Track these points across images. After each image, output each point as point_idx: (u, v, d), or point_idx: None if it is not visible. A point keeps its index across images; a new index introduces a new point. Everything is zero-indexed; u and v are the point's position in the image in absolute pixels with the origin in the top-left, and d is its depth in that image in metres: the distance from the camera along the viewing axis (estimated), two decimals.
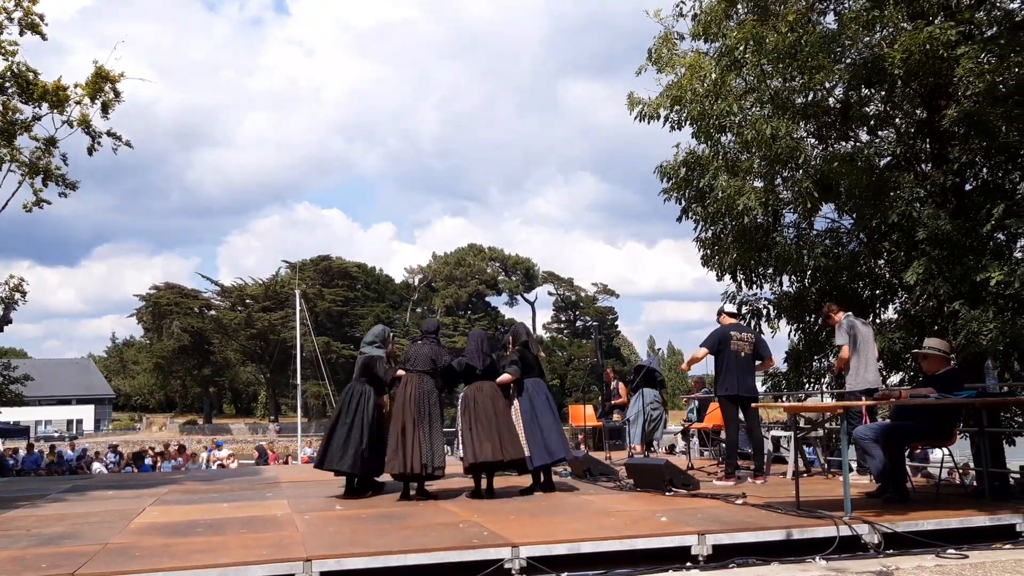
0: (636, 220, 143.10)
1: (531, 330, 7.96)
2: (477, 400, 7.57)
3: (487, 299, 78.70)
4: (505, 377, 7.72)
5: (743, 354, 8.26)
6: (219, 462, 20.60)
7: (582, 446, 16.07)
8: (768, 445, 9.76)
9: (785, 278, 9.50)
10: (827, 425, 9.16)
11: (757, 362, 8.43)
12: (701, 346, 8.35)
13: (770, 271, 9.47)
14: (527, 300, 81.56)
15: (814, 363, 9.95)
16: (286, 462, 22.88)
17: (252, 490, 9.02)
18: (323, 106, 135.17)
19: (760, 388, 9.49)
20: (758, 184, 9.05)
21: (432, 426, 7.44)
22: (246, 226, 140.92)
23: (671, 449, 14.51)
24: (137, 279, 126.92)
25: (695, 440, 11.98)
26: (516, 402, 7.72)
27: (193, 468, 19.08)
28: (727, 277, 9.67)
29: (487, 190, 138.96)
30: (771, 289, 9.76)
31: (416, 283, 79.25)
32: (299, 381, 37.94)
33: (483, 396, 7.59)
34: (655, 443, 12.35)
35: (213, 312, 71.10)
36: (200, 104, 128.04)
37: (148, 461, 20.22)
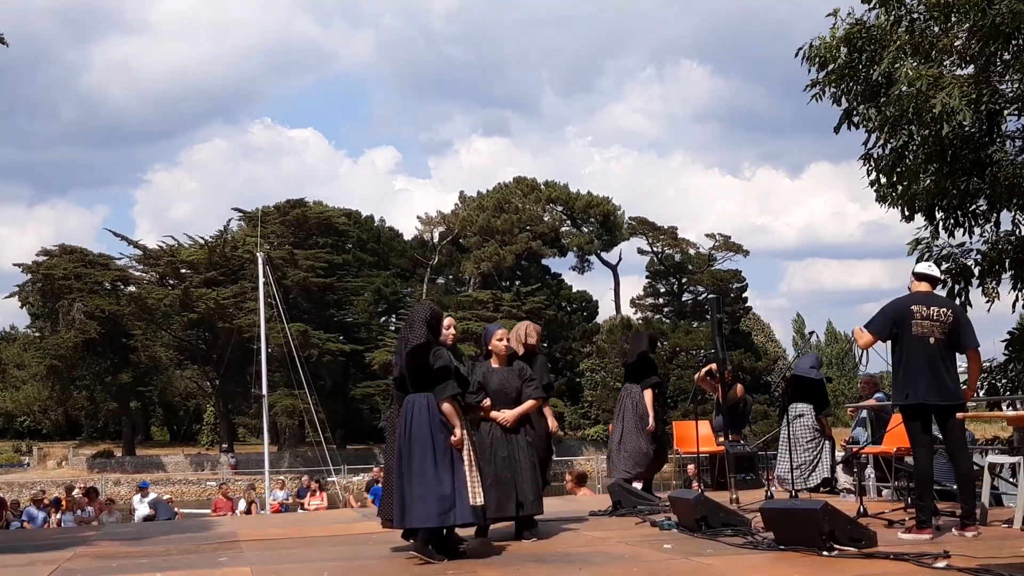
0: (771, 134, 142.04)
1: (434, 311, 8.33)
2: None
3: (545, 262, 78.93)
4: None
5: (932, 340, 8.18)
6: (148, 513, 21.06)
7: (695, 483, 16.05)
8: (983, 478, 9.66)
9: (1007, 215, 9.36)
10: None
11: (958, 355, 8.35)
12: (865, 327, 8.34)
13: (984, 206, 9.33)
14: (606, 263, 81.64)
15: None
16: (248, 511, 23.33)
17: (198, 553, 9.20)
18: None
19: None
20: (964, 72, 8.91)
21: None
22: (175, 157, 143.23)
23: (831, 486, 14.44)
24: (16, 241, 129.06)
25: (868, 472, 11.92)
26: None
27: (111, 521, 19.55)
28: (918, 217, 9.55)
29: (538, 94, 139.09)
30: (984, 235, 9.61)
31: (435, 240, 79.70)
32: (264, 390, 38.49)
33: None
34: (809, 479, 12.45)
35: (132, 288, 72.33)
36: None
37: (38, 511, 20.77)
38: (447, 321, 9.07)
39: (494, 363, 9.13)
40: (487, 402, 8.87)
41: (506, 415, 8.87)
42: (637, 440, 11.54)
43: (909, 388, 8.17)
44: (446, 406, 7.90)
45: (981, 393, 11.49)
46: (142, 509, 21.68)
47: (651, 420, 11.50)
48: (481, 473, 8.32)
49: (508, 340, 9.30)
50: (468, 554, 8.07)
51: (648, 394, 11.57)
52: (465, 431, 8.08)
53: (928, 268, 8.69)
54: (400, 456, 8.01)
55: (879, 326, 8.28)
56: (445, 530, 8.00)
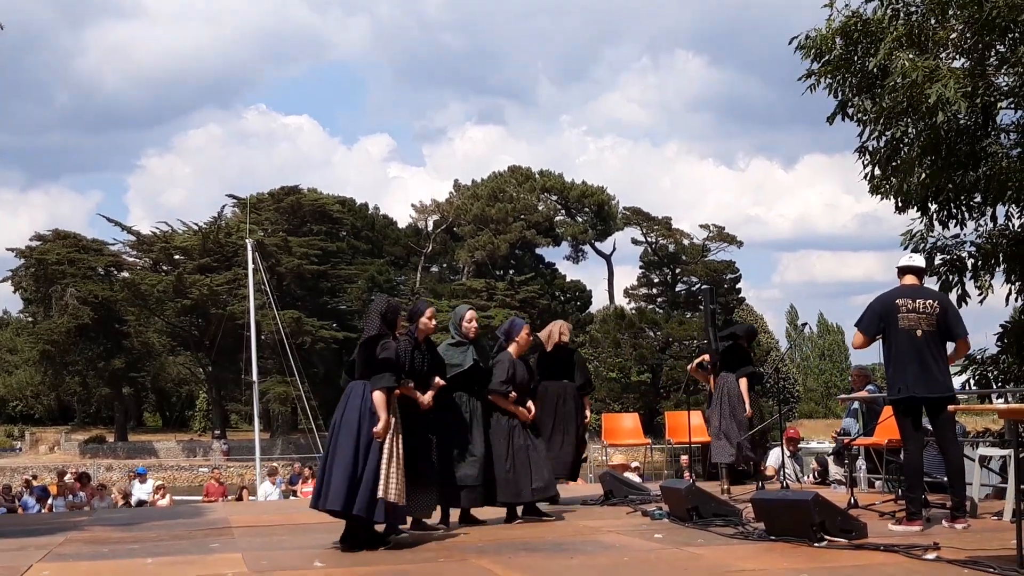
0: (765, 125, 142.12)
1: (390, 304, 8.36)
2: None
3: (539, 251, 78.93)
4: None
5: (919, 333, 8.16)
6: (141, 498, 21.05)
7: (686, 473, 16.07)
8: (973, 470, 9.68)
9: (1001, 209, 9.36)
10: None
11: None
12: (856, 325, 8.41)
13: (978, 199, 9.33)
14: (600, 252, 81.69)
15: None
16: (239, 498, 23.31)
17: (190, 539, 9.20)
18: None
19: (957, 382, 9.40)
20: (960, 64, 8.90)
21: None
22: (169, 143, 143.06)
23: (821, 477, 14.48)
24: (8, 226, 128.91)
25: (859, 463, 11.94)
26: None
27: (102, 506, 19.53)
28: (911, 210, 9.56)
29: (533, 82, 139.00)
30: (978, 228, 9.62)
31: (429, 228, 79.64)
32: (255, 377, 38.47)
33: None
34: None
35: (126, 274, 72.30)
36: None
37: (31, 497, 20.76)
38: (469, 314, 9.10)
39: (514, 353, 9.25)
40: (514, 395, 9.11)
41: (532, 411, 9.30)
42: (729, 426, 11.97)
43: (900, 383, 8.16)
44: (377, 395, 7.84)
45: (972, 385, 11.50)
46: (139, 493, 21.66)
47: (747, 407, 11.92)
48: (494, 460, 8.84)
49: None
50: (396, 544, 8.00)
51: (743, 382, 12.03)
52: (394, 423, 7.90)
53: (910, 260, 8.61)
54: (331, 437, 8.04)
55: (867, 324, 8.29)
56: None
